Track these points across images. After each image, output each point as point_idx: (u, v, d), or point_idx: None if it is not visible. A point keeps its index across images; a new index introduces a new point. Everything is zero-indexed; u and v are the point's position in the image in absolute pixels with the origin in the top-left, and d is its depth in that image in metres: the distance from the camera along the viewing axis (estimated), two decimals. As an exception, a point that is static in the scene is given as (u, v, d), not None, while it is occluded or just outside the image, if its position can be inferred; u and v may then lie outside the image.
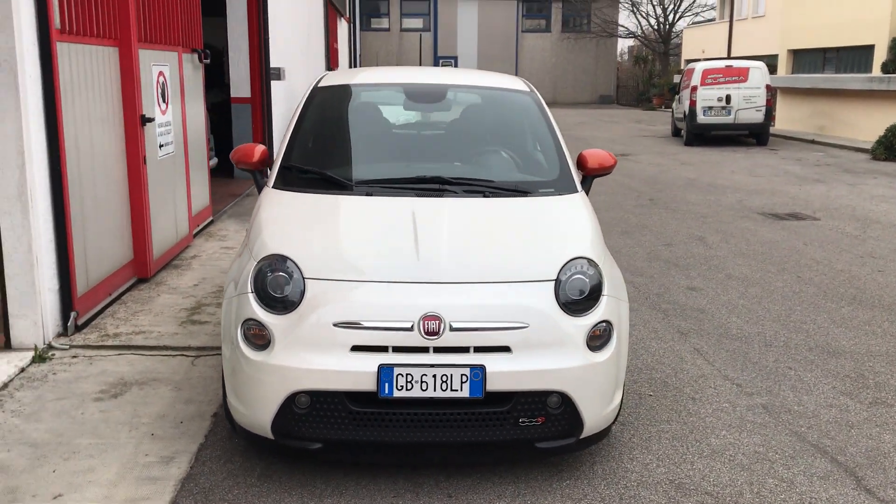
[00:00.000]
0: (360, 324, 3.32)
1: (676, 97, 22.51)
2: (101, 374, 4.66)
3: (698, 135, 20.08)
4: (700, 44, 37.92)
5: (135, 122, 6.21)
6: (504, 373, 3.33)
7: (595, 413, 3.52)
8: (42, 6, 4.86)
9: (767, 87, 19.78)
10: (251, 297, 3.47)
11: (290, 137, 4.49)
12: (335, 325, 3.33)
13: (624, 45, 53.24)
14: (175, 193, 7.32)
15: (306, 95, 4.81)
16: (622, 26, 45.14)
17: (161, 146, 6.90)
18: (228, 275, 3.87)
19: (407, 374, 3.30)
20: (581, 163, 4.62)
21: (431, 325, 3.31)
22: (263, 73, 12.15)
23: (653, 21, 44.99)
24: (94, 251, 5.60)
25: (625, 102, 44.40)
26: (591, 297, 3.54)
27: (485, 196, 4.07)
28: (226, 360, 3.62)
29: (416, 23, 44.27)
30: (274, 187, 4.21)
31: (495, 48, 44.41)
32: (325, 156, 4.52)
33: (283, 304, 3.42)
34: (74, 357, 4.92)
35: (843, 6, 23.24)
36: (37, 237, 4.86)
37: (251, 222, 4.01)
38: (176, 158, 7.36)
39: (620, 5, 44.85)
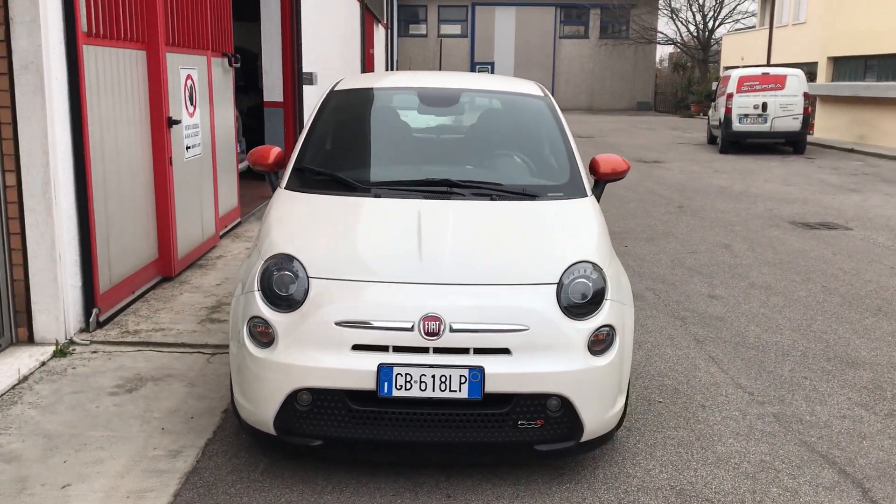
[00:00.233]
0: (360, 323, 3.36)
1: (712, 104, 22.30)
2: (119, 370, 4.77)
3: (734, 142, 19.87)
4: (739, 51, 37.50)
5: (161, 123, 6.35)
6: (503, 375, 3.35)
7: (595, 417, 3.52)
8: (69, 10, 5.00)
9: (805, 94, 19.51)
10: (257, 295, 3.54)
11: (304, 139, 4.56)
12: (337, 324, 3.38)
13: (664, 51, 52.90)
14: (202, 194, 7.44)
15: (322, 99, 4.88)
16: (661, 33, 44.82)
17: (188, 148, 7.03)
18: (238, 274, 3.95)
19: (406, 374, 3.33)
20: (593, 167, 4.62)
21: (432, 325, 3.34)
22: (296, 78, 12.30)
23: (692, 28, 44.64)
24: (118, 249, 5.73)
25: (663, 109, 44.05)
26: (593, 302, 3.54)
27: (492, 199, 4.09)
28: (232, 357, 3.69)
29: (454, 29, 44.43)
30: (286, 188, 4.28)
31: (532, 54, 44.36)
32: (336, 158, 4.58)
33: (287, 302, 3.48)
34: (94, 352, 5.03)
35: (886, 13, 22.83)
36: (59, 234, 4.99)
37: (262, 222, 4.08)
38: (203, 160, 7.49)
39: (660, 12, 44.56)
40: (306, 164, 4.41)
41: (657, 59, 49.31)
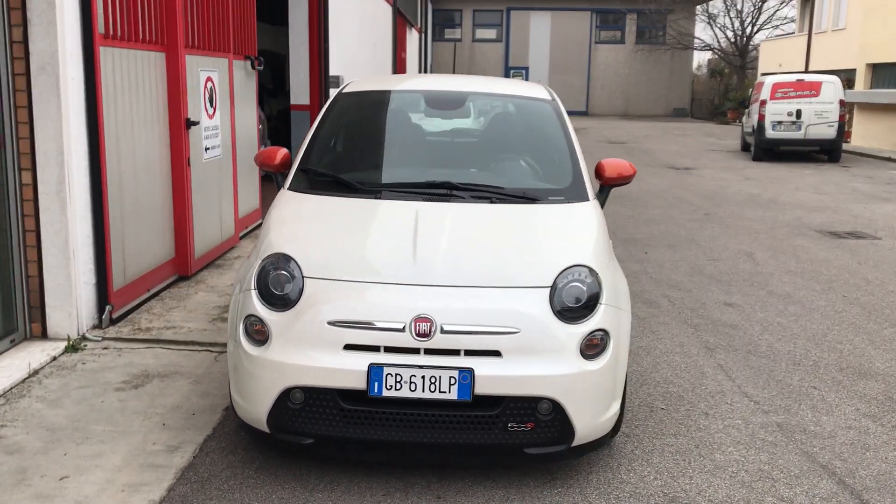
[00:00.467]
0: (352, 323, 3.39)
1: (746, 111, 22.04)
2: (127, 366, 4.85)
3: (767, 150, 19.60)
4: (777, 57, 37.02)
5: (179, 125, 6.45)
6: (493, 377, 3.36)
7: (587, 421, 3.50)
8: (86, 13, 5.10)
9: (841, 102, 19.20)
10: (254, 294, 3.59)
11: (309, 141, 4.61)
12: (329, 323, 3.41)
13: (703, 57, 52.37)
14: (220, 195, 7.54)
15: (329, 101, 4.93)
16: (698, 38, 44.37)
17: (207, 149, 7.13)
18: (238, 274, 4.00)
19: (396, 374, 3.35)
20: (599, 172, 4.60)
21: (423, 326, 3.36)
22: (322, 82, 12.40)
23: (730, 34, 44.14)
24: (133, 248, 5.83)
25: (699, 116, 43.59)
26: (587, 306, 3.53)
27: (491, 202, 4.10)
28: (230, 355, 3.74)
29: (489, 34, 44.42)
30: (289, 189, 4.33)
31: (567, 59, 44.17)
32: (340, 160, 4.63)
33: (283, 301, 3.52)
34: (105, 348, 5.12)
35: (927, 20, 22.41)
36: (73, 232, 5.09)
37: (263, 223, 4.13)
38: (223, 161, 7.58)
39: (697, 17, 44.12)
40: (310, 166, 4.46)
41: (696, 65, 48.84)
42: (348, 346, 3.39)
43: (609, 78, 44.65)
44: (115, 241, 5.53)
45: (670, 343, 5.72)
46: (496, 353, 3.38)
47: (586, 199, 4.29)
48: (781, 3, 43.76)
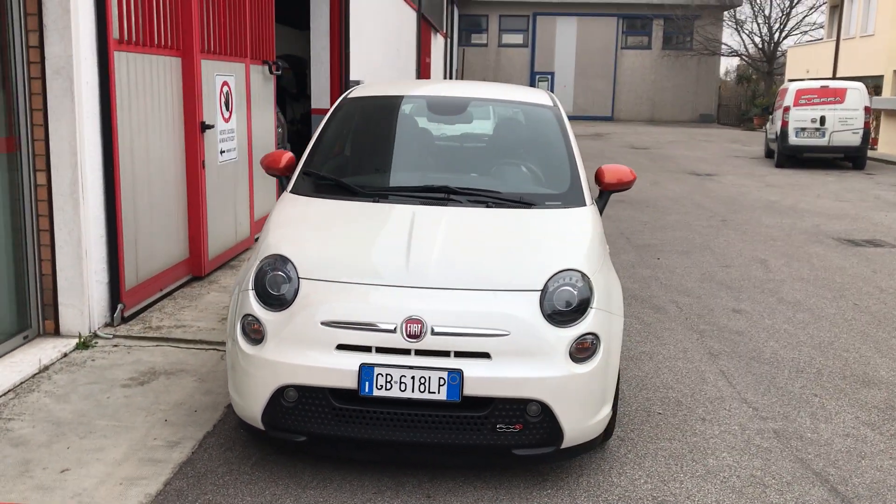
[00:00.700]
0: (345, 323, 3.46)
1: (770, 118, 21.89)
2: (135, 363, 4.96)
3: (790, 157, 19.46)
4: (805, 63, 36.68)
5: (194, 128, 6.57)
6: (482, 378, 3.41)
7: (576, 424, 3.55)
8: (101, 18, 5.23)
9: (866, 108, 19.02)
10: (251, 294, 3.67)
11: (313, 145, 4.69)
12: (323, 323, 3.48)
13: (731, 63, 52.02)
14: (236, 197, 7.66)
15: (333, 106, 5.01)
16: (725, 44, 44.08)
17: (222, 152, 7.25)
18: (238, 275, 4.09)
19: (387, 374, 3.42)
20: (598, 178, 4.65)
21: (413, 328, 3.42)
22: (343, 85, 12.52)
23: (757, 40, 43.81)
24: (146, 248, 5.95)
25: (726, 122, 43.30)
26: (578, 310, 3.57)
27: (488, 206, 4.16)
28: (228, 353, 3.83)
29: (516, 39, 44.47)
30: (291, 192, 4.42)
31: (593, 65, 44.10)
32: (342, 163, 4.71)
33: (279, 301, 3.60)
34: (115, 346, 5.24)
35: (956, 26, 22.12)
36: (86, 232, 5.21)
37: (265, 224, 4.22)
38: (238, 164, 7.71)
39: (724, 23, 43.86)
40: (312, 170, 4.54)
41: (723, 71, 48.52)
42: (341, 346, 3.47)
43: (635, 83, 44.51)
44: (127, 241, 5.65)
45: (674, 348, 5.73)
46: (486, 355, 3.43)
47: (583, 203, 4.33)
48: (810, 10, 43.36)
